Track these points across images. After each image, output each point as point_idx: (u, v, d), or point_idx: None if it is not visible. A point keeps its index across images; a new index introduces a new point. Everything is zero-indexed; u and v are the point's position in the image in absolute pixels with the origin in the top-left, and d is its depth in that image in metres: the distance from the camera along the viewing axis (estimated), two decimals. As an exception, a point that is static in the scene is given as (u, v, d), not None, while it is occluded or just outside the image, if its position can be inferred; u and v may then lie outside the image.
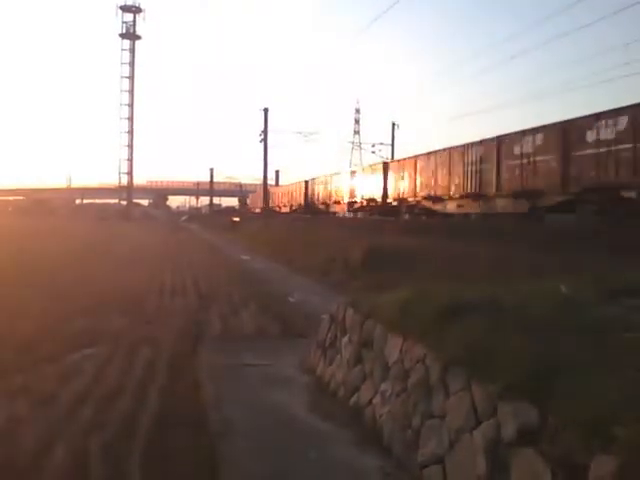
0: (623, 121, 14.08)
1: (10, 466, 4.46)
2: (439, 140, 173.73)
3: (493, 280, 7.34)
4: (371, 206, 30.95)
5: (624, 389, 3.14)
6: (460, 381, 4.15)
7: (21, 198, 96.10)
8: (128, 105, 76.02)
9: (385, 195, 28.77)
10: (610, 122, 14.45)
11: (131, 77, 76.10)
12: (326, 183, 39.56)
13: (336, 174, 38.54)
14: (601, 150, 14.73)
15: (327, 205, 39.12)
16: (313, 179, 43.53)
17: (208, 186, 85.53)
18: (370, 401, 5.49)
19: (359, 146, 75.46)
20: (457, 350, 4.34)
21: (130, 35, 76.38)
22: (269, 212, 50.03)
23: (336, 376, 6.49)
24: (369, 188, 30.90)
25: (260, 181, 55.01)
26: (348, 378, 6.15)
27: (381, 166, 30.35)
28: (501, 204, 19.17)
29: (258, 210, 61.10)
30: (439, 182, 23.10)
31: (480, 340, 4.29)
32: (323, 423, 5.54)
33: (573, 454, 2.97)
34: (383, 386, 5.34)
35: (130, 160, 76.82)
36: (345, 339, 6.62)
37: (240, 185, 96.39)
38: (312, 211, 41.26)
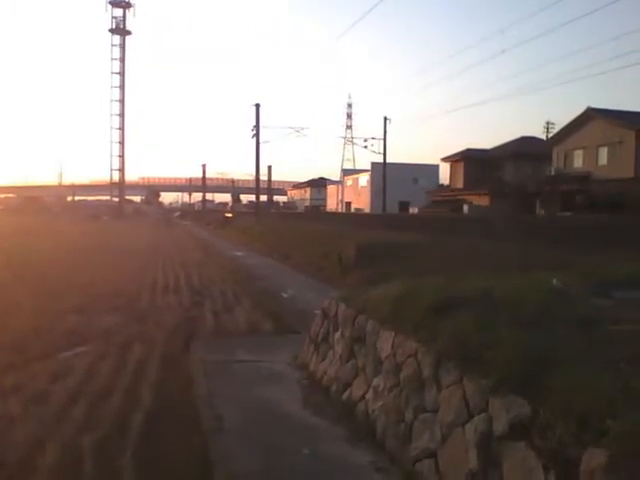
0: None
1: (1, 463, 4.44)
2: (432, 133, 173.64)
3: (482, 272, 7.35)
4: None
5: (615, 382, 3.15)
6: (452, 375, 4.15)
7: (12, 196, 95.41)
8: (119, 101, 75.50)
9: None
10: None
11: (122, 73, 75.53)
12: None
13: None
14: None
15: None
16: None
17: (200, 182, 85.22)
18: (363, 396, 5.48)
19: (351, 141, 75.43)
20: (449, 344, 4.34)
21: (120, 30, 75.71)
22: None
23: (329, 372, 6.47)
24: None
25: (252, 177, 54.85)
26: (341, 373, 6.14)
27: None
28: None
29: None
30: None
31: (471, 334, 4.28)
32: (316, 419, 5.53)
33: (565, 447, 2.97)
34: (376, 381, 5.33)
35: (122, 156, 76.32)
36: (337, 334, 6.61)
37: (232, 181, 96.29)
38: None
